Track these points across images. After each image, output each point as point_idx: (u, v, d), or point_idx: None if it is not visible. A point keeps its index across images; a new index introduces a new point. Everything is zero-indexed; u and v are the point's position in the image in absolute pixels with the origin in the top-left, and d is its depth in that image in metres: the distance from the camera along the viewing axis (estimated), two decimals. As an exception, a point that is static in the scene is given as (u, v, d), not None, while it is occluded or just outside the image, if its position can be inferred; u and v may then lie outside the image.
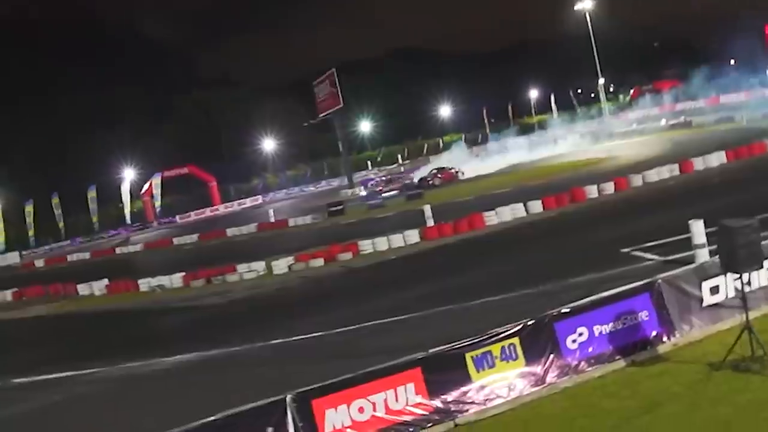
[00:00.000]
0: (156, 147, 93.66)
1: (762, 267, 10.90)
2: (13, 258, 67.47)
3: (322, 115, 75.28)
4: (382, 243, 28.56)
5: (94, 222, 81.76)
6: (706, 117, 57.46)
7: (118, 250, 54.30)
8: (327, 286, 24.50)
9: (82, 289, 33.14)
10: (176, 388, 14.80)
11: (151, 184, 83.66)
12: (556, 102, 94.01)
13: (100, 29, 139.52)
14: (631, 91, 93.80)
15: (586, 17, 69.02)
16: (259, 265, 28.97)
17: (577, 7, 70.59)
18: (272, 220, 50.79)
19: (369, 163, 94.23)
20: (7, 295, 37.34)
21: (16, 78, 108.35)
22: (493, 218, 29.06)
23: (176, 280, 30.10)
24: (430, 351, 10.20)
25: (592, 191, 30.57)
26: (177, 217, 78.76)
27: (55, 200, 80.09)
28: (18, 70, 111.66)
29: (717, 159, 32.62)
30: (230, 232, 49.48)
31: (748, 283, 11.69)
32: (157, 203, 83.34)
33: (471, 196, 41.17)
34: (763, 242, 10.78)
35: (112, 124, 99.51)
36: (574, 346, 10.91)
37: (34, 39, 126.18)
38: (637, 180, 31.38)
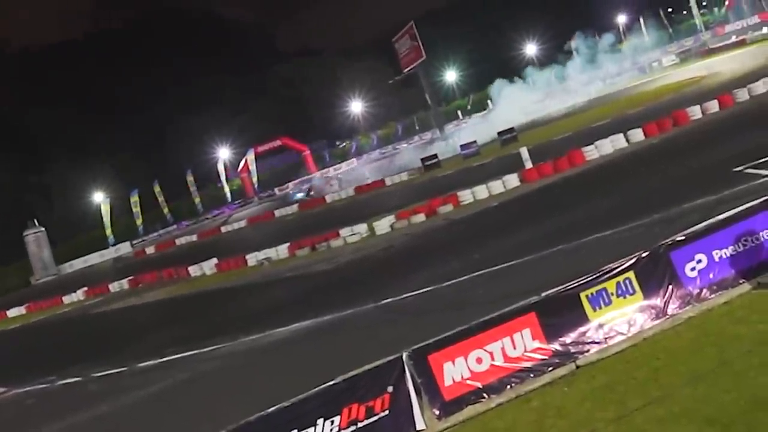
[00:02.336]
0: (247, 125, 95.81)
1: None
2: (125, 248, 70.43)
3: (406, 70, 74.77)
4: (481, 191, 28.27)
5: (197, 204, 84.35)
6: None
7: (223, 229, 55.78)
8: (431, 241, 24.39)
9: (194, 270, 34.23)
10: (295, 356, 15.08)
11: (246, 161, 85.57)
12: (645, 24, 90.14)
13: (181, 19, 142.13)
14: (726, 2, 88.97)
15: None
16: (362, 228, 29.16)
17: None
18: (369, 181, 51.00)
19: (459, 112, 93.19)
20: (124, 283, 39.05)
21: (107, 79, 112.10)
22: (593, 152, 28.24)
23: (282, 251, 30.70)
24: (543, 294, 9.96)
25: (695, 112, 29.26)
26: (276, 190, 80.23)
27: (157, 188, 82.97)
28: (109, 71, 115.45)
29: (829, 61, 30.66)
30: (329, 198, 50.00)
31: None
32: (255, 178, 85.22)
33: (569, 132, 40.16)
34: None
35: (204, 108, 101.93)
36: (694, 273, 10.45)
37: (126, 39, 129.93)
38: (742, 94, 29.80)
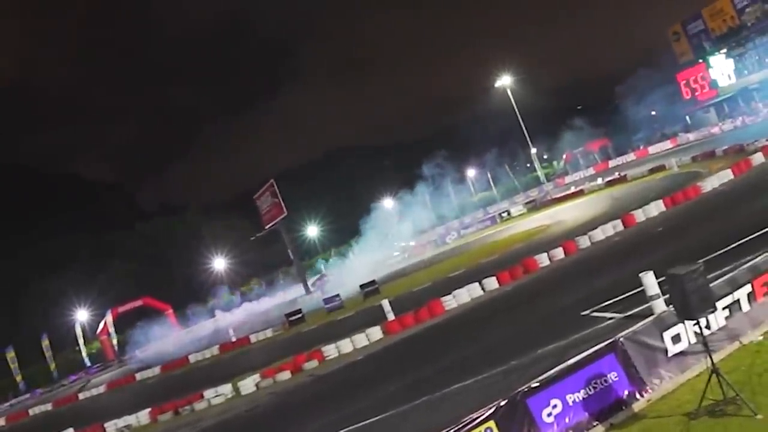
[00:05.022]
0: (107, 285, 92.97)
1: (715, 309, 11.05)
2: (-30, 423, 64.88)
3: (268, 226, 75.19)
4: (346, 345, 28.36)
5: (53, 370, 79.73)
6: (639, 169, 59.12)
7: (80, 396, 52.58)
8: (298, 398, 24.01)
9: (46, 444, 31.97)
10: None
11: (105, 322, 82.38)
12: (493, 178, 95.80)
13: (37, 177, 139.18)
14: (564, 156, 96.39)
15: (507, 93, 71.37)
16: (226, 388, 28.43)
17: (498, 84, 73.08)
18: (233, 339, 50.01)
19: (322, 266, 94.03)
20: (-31, 463, 35.81)
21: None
22: (451, 302, 29.14)
23: (143, 417, 29.30)
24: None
25: (543, 259, 30.98)
26: (137, 351, 77.18)
27: (10, 354, 77.91)
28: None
29: (656, 208, 33.49)
30: (192, 357, 48.55)
31: (707, 326, 11.88)
32: (115, 340, 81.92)
33: (428, 282, 41.23)
34: (712, 284, 11.02)
35: (61, 268, 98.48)
36: (551, 419, 10.85)
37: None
38: (584, 241, 31.90)
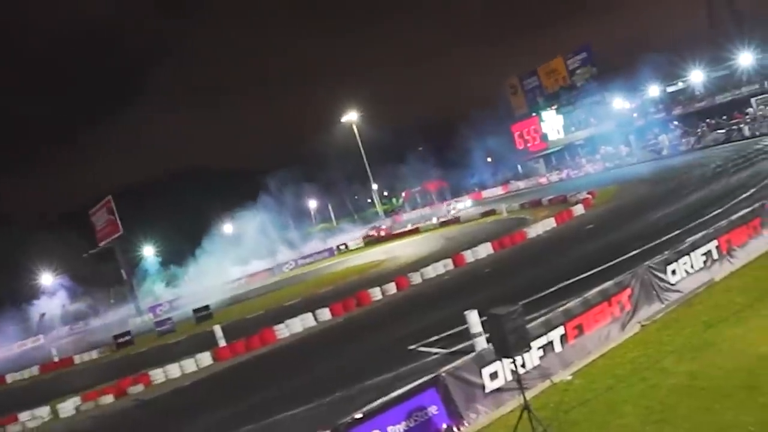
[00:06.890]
0: None
1: (530, 349, 11.81)
2: None
3: (101, 244, 72.41)
4: (174, 370, 27.74)
5: None
6: (472, 211, 61.66)
7: None
8: (119, 424, 23.21)
9: None
10: None
11: None
12: (334, 210, 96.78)
13: None
14: (403, 194, 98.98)
15: (353, 128, 72.49)
16: (44, 411, 26.95)
17: (344, 119, 74.12)
18: (56, 359, 47.48)
19: (155, 287, 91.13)
20: None
21: None
22: (284, 331, 29.26)
23: (-54, 441, 27.28)
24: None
25: (376, 293, 31.76)
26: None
27: None
28: None
29: (485, 250, 35.12)
30: (9, 377, 45.59)
31: (522, 365, 12.68)
32: None
33: (262, 311, 41.08)
34: (529, 325, 11.82)
35: None
36: (372, 450, 11.12)
37: None
38: (416, 278, 32.97)
